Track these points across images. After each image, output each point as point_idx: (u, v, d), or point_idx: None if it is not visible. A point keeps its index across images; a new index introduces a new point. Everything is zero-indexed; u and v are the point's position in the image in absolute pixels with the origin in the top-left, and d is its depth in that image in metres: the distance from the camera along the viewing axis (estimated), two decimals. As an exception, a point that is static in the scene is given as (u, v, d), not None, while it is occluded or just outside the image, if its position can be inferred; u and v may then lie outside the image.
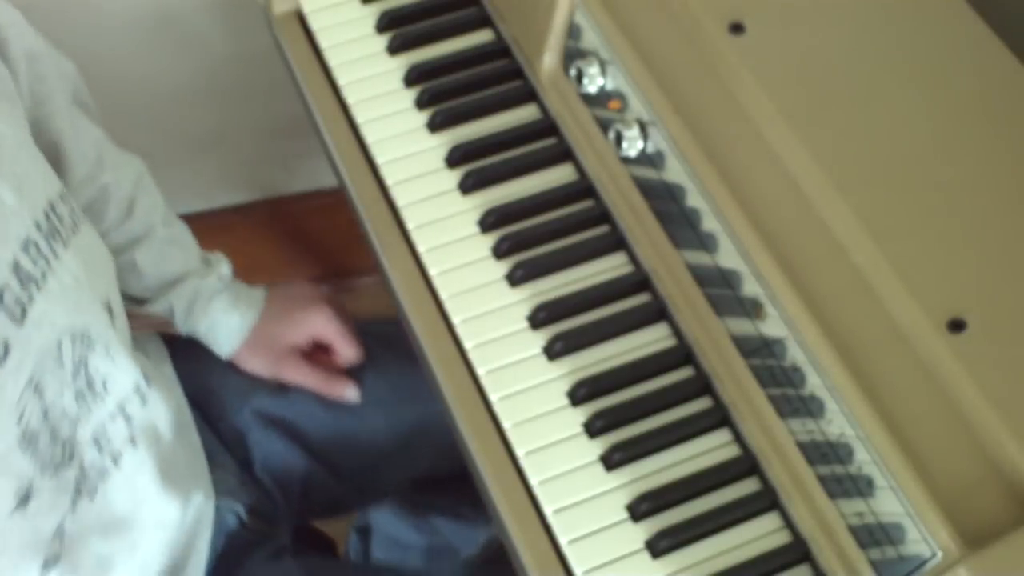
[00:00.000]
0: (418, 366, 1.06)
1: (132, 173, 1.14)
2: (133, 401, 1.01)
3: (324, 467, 1.19)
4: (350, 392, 1.17)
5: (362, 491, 1.23)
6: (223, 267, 1.17)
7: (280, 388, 1.18)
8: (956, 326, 0.83)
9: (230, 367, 1.18)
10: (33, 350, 0.92)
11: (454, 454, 1.02)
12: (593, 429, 0.98)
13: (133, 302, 1.15)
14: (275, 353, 1.17)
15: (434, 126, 1.13)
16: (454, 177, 1.10)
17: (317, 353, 1.20)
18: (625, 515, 0.94)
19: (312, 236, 1.31)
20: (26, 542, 0.93)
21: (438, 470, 1.21)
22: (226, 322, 1.15)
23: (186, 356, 1.17)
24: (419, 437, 1.19)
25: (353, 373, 1.19)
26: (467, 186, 1.09)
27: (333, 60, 1.18)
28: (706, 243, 0.98)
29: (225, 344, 1.16)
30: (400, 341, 1.10)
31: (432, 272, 1.06)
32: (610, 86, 1.06)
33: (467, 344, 1.02)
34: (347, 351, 1.18)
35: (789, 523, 0.94)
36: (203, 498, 1.08)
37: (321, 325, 1.18)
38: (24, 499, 0.92)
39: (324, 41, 1.19)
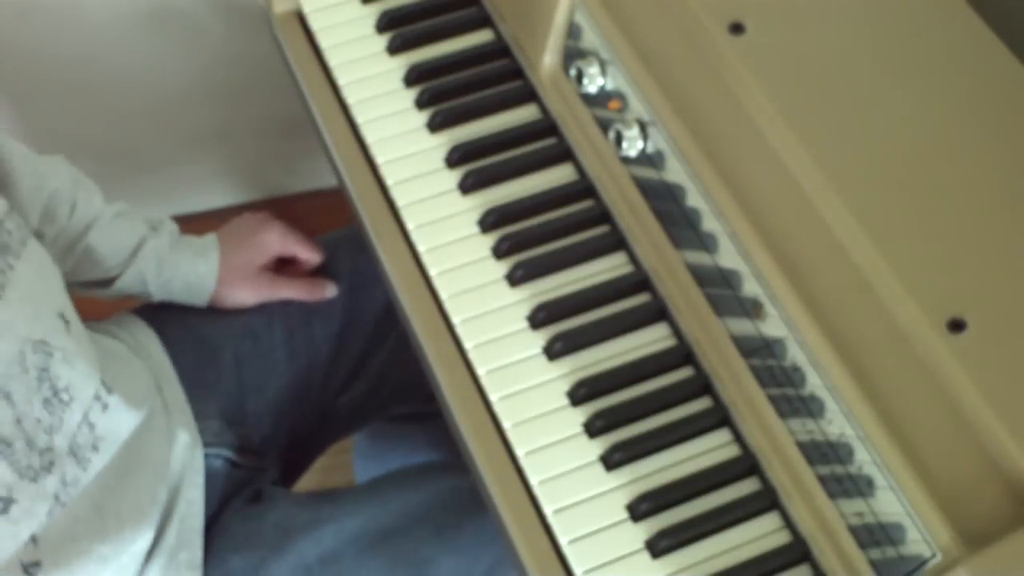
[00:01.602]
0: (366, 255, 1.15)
1: (65, 172, 1.17)
2: (95, 408, 1.02)
3: (316, 372, 1.26)
4: (330, 290, 1.26)
5: (349, 385, 1.29)
6: (169, 224, 1.23)
7: (267, 319, 1.24)
8: (956, 326, 0.83)
9: (213, 313, 1.23)
10: None
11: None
12: (593, 429, 0.98)
13: (104, 285, 1.19)
14: (251, 279, 1.23)
15: (434, 126, 1.13)
16: (454, 177, 1.10)
17: (280, 269, 1.27)
18: (625, 515, 0.94)
19: (312, 236, 1.32)
20: (6, 547, 0.94)
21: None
22: (195, 270, 1.21)
23: (171, 322, 1.22)
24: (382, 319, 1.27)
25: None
26: (467, 186, 1.09)
27: (333, 60, 1.18)
28: (706, 243, 0.98)
29: (202, 291, 1.22)
30: (344, 242, 1.26)
31: (432, 272, 1.06)
32: (610, 86, 1.06)
33: (467, 344, 1.02)
34: (310, 255, 1.26)
35: (789, 523, 0.94)
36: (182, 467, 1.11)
37: (279, 240, 1.25)
38: (5, 505, 0.93)
39: (324, 41, 1.19)
